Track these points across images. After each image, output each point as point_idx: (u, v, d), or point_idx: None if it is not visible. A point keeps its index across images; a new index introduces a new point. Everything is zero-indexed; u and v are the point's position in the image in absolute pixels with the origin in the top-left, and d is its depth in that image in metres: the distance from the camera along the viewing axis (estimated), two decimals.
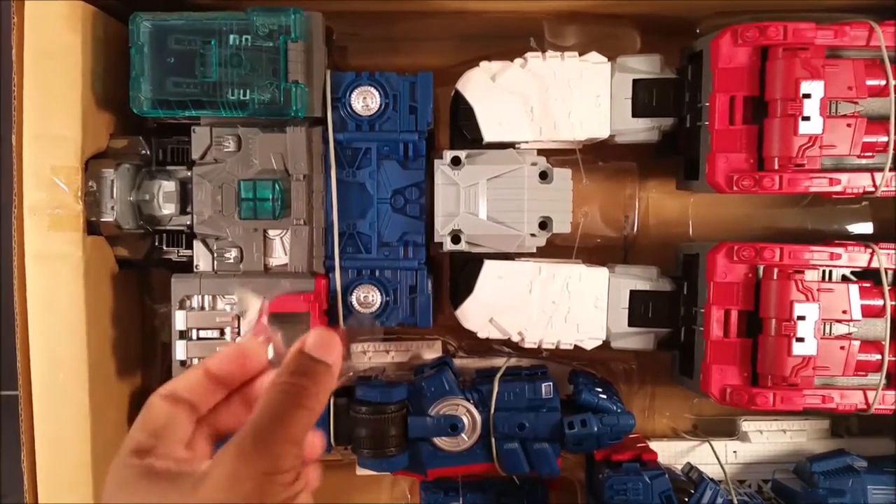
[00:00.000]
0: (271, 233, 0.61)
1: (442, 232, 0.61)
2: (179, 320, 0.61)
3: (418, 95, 0.61)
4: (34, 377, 0.60)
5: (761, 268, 0.61)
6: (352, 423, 0.63)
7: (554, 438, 0.64)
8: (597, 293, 0.65)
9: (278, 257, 0.61)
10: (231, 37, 0.59)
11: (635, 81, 0.64)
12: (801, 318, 0.59)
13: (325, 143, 0.61)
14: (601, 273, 0.65)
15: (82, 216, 0.60)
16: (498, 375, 0.65)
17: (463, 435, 0.64)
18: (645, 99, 0.64)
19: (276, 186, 0.60)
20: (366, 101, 0.61)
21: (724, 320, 0.61)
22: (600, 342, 0.65)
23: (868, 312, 0.61)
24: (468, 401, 0.65)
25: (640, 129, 0.65)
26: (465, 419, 0.64)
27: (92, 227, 0.61)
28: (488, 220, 0.61)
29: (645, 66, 0.65)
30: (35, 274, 0.59)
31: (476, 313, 0.64)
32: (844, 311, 0.60)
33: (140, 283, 0.69)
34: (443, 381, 0.65)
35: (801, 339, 0.59)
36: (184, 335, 0.61)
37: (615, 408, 0.64)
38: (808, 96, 0.58)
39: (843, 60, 0.59)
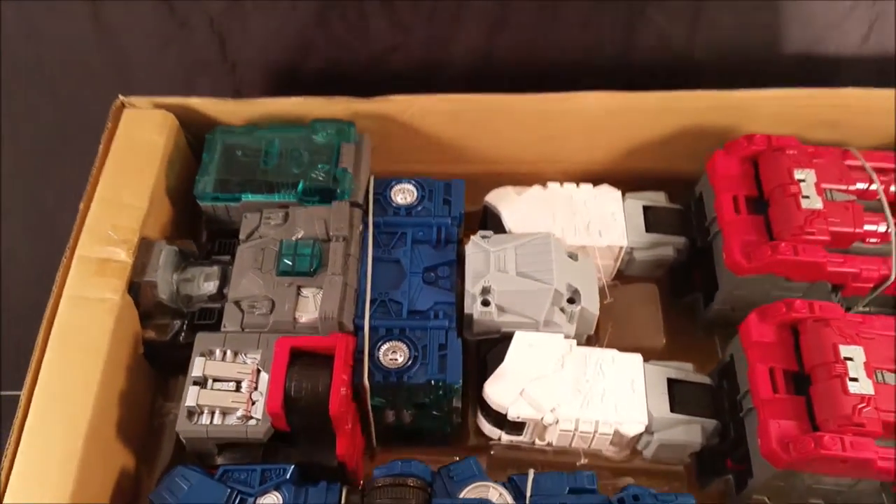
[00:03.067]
0: (305, 291, 0.62)
1: (472, 290, 0.62)
2: (198, 366, 0.58)
3: (452, 192, 0.68)
4: (30, 420, 0.56)
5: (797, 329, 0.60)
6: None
7: None
8: (633, 376, 0.62)
9: (309, 313, 0.61)
10: (293, 138, 0.69)
11: (645, 207, 0.72)
12: (849, 359, 0.56)
13: (364, 227, 0.66)
14: (635, 358, 0.63)
15: (129, 270, 0.62)
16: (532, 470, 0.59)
17: None
18: (656, 220, 0.71)
19: (316, 245, 0.63)
20: (404, 195, 0.68)
21: (771, 379, 0.58)
22: (643, 427, 0.60)
23: None
24: (502, 486, 0.57)
25: (656, 243, 0.70)
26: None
27: (133, 289, 0.63)
28: (518, 275, 0.62)
29: (652, 198, 0.73)
30: (67, 311, 0.60)
31: (506, 384, 0.60)
32: (891, 359, 0.57)
33: (157, 381, 0.67)
34: (471, 464, 0.58)
35: (854, 379, 0.55)
36: (198, 382, 0.58)
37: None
38: (802, 181, 0.65)
39: (828, 154, 0.67)
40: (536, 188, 0.71)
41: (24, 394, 0.56)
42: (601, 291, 0.68)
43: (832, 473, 0.56)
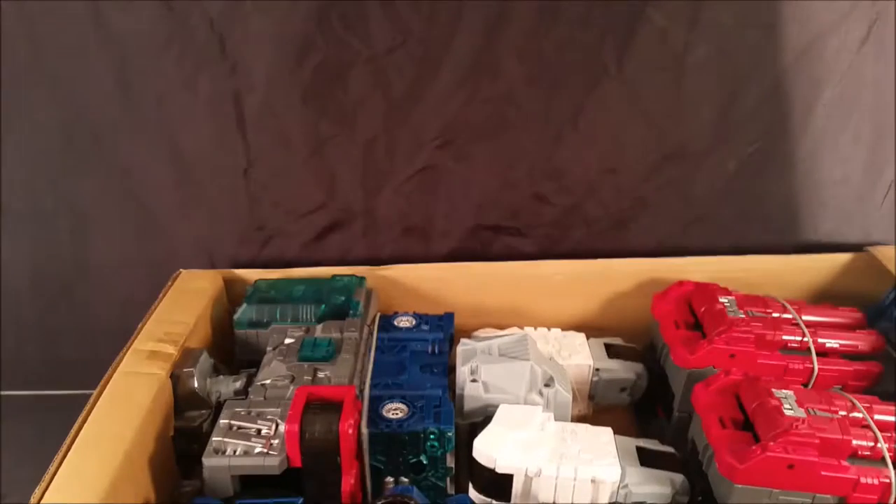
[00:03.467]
0: (320, 373, 0.73)
1: (461, 368, 0.73)
2: (225, 416, 0.67)
3: (444, 320, 0.83)
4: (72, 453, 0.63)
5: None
6: None
7: None
8: (606, 441, 0.70)
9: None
10: (316, 286, 0.85)
11: (606, 344, 0.86)
12: (784, 397, 0.66)
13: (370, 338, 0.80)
14: (606, 429, 0.72)
15: (174, 359, 0.74)
16: None
17: None
18: (616, 352, 0.85)
19: (332, 340, 0.76)
20: (405, 322, 0.82)
21: (720, 422, 0.67)
22: (617, 476, 0.67)
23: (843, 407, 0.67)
24: None
25: (617, 368, 0.82)
26: None
27: (172, 378, 0.73)
28: (500, 355, 0.74)
29: (611, 340, 0.87)
30: (118, 379, 0.70)
31: (493, 440, 0.68)
32: (821, 403, 0.67)
33: (177, 471, 0.73)
34: (465, 499, 0.64)
35: (789, 409, 0.65)
36: (225, 427, 0.66)
37: None
38: (726, 302, 0.80)
39: (746, 295, 0.83)
40: (514, 329, 0.86)
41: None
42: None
43: (785, 487, 0.62)
